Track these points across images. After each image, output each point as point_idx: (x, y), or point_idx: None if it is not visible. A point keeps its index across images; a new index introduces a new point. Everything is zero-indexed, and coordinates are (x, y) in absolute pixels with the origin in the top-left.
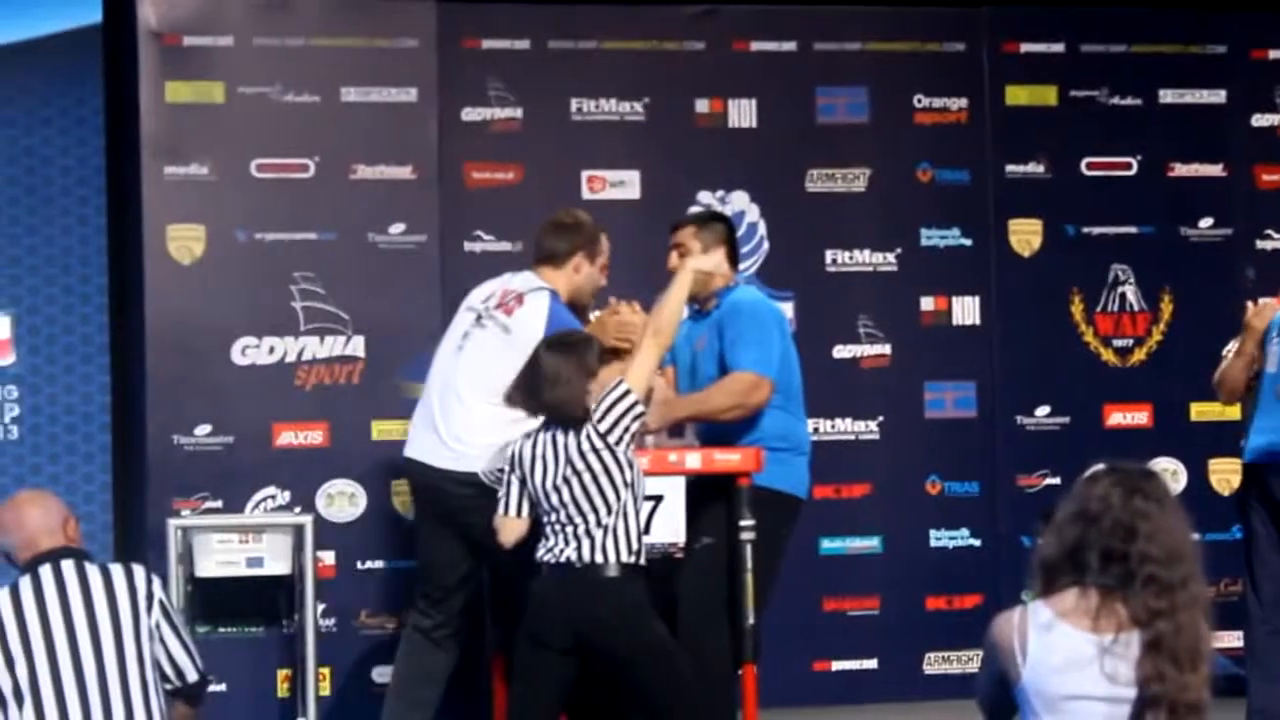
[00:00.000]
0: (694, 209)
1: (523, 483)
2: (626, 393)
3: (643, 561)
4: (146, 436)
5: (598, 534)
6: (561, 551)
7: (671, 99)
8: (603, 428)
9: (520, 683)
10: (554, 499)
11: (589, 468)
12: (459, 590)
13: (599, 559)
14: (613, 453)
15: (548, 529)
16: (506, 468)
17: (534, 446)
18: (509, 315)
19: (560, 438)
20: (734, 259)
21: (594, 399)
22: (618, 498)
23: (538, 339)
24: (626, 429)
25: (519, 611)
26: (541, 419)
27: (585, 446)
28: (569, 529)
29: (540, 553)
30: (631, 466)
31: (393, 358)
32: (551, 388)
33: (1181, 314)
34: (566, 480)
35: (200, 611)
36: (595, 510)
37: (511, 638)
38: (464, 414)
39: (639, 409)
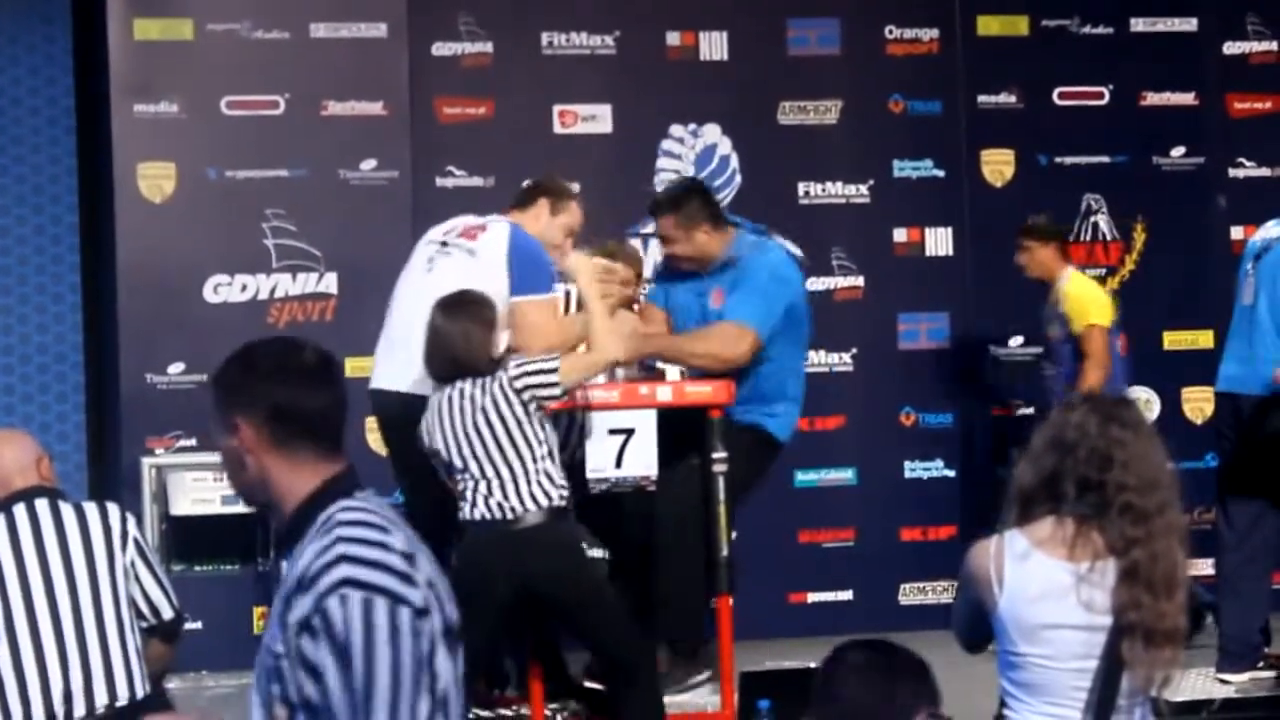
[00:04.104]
0: (661, 173)
1: (435, 454)
2: (552, 370)
3: (567, 503)
4: (120, 375)
5: (513, 486)
6: (480, 506)
7: (642, 32)
8: (518, 385)
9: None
10: (466, 451)
11: (501, 418)
12: None
13: (519, 509)
14: (523, 404)
15: (465, 489)
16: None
17: (440, 410)
18: (473, 240)
19: (469, 390)
20: (717, 219)
21: (500, 345)
22: (528, 445)
23: (503, 259)
24: (534, 396)
25: None
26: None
27: (498, 396)
28: (483, 484)
29: (462, 513)
30: (539, 411)
31: (365, 294)
32: (464, 345)
33: (1154, 243)
34: (478, 432)
35: (175, 549)
36: (508, 463)
37: None
38: None
39: (555, 390)
